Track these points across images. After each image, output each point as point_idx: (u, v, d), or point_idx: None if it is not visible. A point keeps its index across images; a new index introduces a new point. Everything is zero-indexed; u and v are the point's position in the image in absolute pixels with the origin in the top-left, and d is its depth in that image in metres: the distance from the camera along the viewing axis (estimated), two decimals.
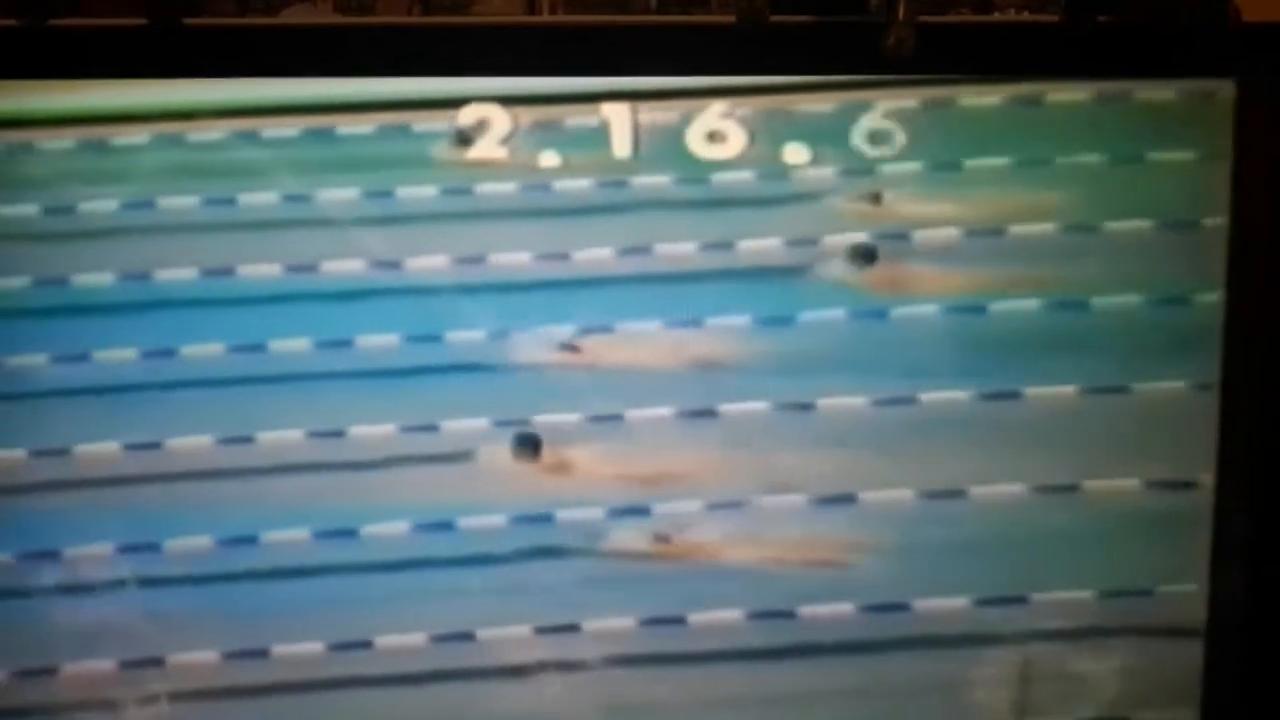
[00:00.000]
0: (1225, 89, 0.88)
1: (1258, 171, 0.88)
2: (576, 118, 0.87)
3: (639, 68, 0.86)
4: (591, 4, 0.95)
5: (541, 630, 0.90)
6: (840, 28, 0.86)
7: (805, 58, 0.87)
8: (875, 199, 0.88)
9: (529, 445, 0.89)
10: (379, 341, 0.88)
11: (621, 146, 0.87)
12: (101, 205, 0.85)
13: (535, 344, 0.88)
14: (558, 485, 0.89)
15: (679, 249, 0.88)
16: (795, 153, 0.88)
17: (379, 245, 0.87)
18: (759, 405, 0.90)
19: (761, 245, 0.88)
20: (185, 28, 0.83)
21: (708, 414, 0.90)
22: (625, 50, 0.87)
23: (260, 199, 0.86)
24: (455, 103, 0.86)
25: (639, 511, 0.90)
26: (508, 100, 0.86)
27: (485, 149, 0.87)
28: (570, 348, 0.89)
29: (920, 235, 0.89)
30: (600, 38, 0.88)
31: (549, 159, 0.87)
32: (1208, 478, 0.92)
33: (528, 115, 0.86)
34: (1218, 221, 0.90)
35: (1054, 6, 0.89)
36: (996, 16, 0.91)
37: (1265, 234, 0.89)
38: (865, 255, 0.89)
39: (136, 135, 0.85)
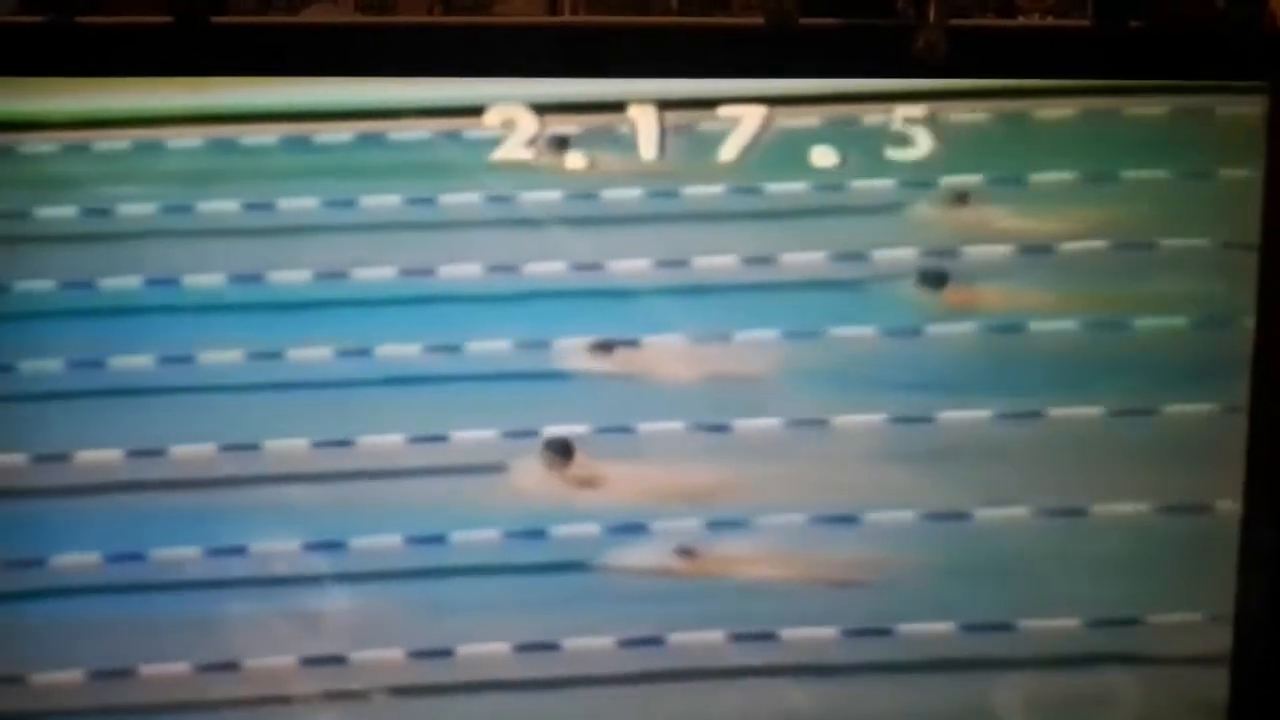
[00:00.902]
0: (1259, 97, 0.87)
1: None
2: (603, 120, 0.86)
3: (664, 69, 0.86)
4: (613, 5, 0.94)
5: (563, 644, 0.90)
6: (869, 31, 0.85)
7: (833, 61, 0.86)
8: (899, 211, 0.88)
9: (560, 450, 0.88)
10: (404, 349, 0.87)
11: (647, 149, 0.86)
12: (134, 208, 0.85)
13: (565, 353, 0.88)
14: (584, 498, 0.88)
15: (710, 258, 0.88)
16: (823, 156, 0.87)
17: (404, 251, 0.86)
18: (790, 421, 0.89)
19: (794, 256, 0.88)
20: (210, 26, 0.83)
21: (736, 428, 0.89)
22: (651, 52, 0.86)
23: (288, 204, 0.86)
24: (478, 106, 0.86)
25: (669, 526, 0.89)
26: (534, 102, 0.86)
27: (510, 150, 0.86)
28: (603, 355, 0.88)
29: (947, 252, 0.89)
30: (628, 39, 0.87)
31: (575, 160, 0.86)
32: (1235, 502, 0.91)
33: (554, 117, 0.86)
34: (1248, 239, 0.89)
35: (1078, 12, 0.89)
36: (1021, 21, 0.91)
37: None
38: (936, 278, 0.89)
39: (169, 137, 0.84)
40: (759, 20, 0.85)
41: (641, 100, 0.86)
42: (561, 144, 0.86)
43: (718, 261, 0.88)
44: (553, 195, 0.86)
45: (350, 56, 0.85)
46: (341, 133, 0.85)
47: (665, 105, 0.86)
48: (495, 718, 0.90)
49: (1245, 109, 0.88)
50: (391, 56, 0.85)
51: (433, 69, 0.85)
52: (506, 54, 0.86)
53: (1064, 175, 0.88)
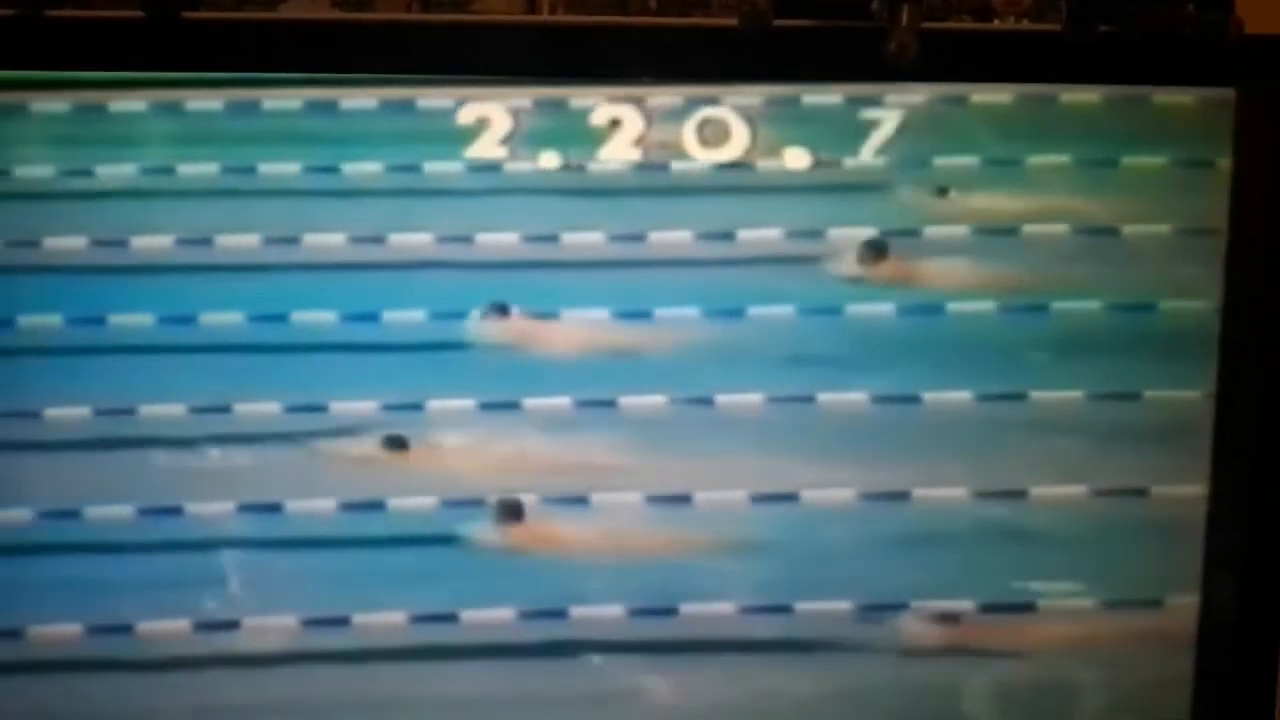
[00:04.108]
0: (1226, 98, 0.88)
1: (1258, 181, 0.89)
2: (573, 114, 0.87)
3: (640, 70, 0.87)
4: (592, 4, 0.94)
5: (401, 615, 0.90)
6: (843, 33, 0.86)
7: (807, 63, 0.87)
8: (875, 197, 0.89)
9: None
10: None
11: (619, 145, 0.87)
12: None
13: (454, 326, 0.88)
14: (429, 473, 0.89)
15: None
16: (796, 156, 0.88)
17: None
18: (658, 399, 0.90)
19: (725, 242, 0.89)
20: (183, 21, 0.83)
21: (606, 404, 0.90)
22: (627, 52, 0.87)
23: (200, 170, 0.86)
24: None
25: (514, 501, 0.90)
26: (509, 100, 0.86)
27: (484, 148, 0.87)
28: (493, 329, 0.88)
29: (917, 236, 0.89)
30: (602, 39, 0.87)
31: (548, 158, 0.87)
32: (1202, 487, 0.92)
33: (527, 113, 0.86)
34: (1217, 231, 0.90)
35: (1054, 14, 0.89)
36: (997, 24, 0.91)
37: (1264, 243, 0.90)
38: (876, 248, 0.89)
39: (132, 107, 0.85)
40: (734, 22, 0.85)
41: (617, 99, 0.86)
42: (534, 140, 0.86)
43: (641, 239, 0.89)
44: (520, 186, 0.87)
45: (326, 53, 0.85)
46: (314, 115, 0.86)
47: (641, 104, 0.86)
48: (332, 687, 0.90)
49: (1214, 112, 0.89)
50: (368, 53, 0.86)
51: (409, 66, 0.86)
52: (484, 52, 0.86)
53: (1032, 170, 0.89)
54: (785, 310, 0.89)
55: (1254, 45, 0.86)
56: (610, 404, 0.89)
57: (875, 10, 0.85)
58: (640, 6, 0.95)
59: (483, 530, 0.90)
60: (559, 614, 0.91)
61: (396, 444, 0.89)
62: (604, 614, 0.91)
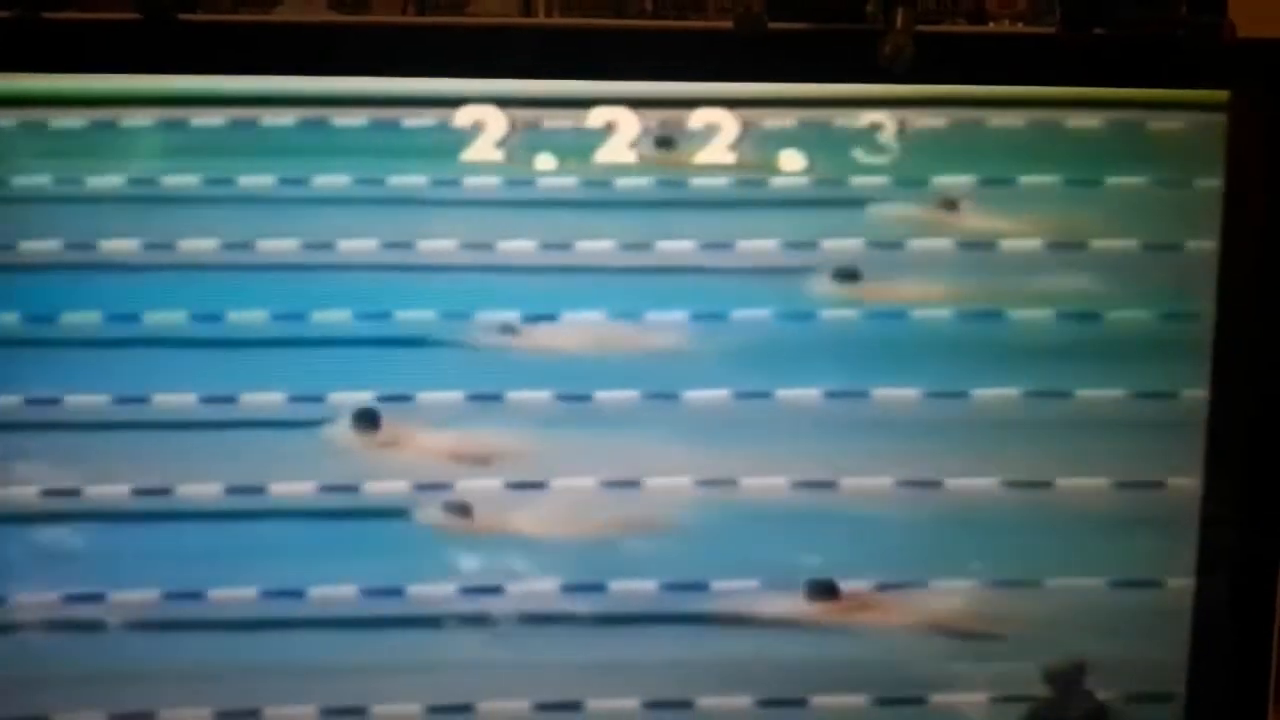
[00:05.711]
0: (1219, 102, 0.89)
1: (1251, 184, 0.89)
2: (570, 120, 0.87)
3: (636, 72, 0.87)
4: (588, 6, 0.94)
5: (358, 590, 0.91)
6: (838, 36, 0.86)
7: (802, 65, 0.87)
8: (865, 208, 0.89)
9: (368, 419, 0.89)
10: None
11: (614, 150, 0.87)
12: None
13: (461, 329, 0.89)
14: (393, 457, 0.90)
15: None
16: (790, 159, 0.88)
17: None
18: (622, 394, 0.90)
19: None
20: (179, 22, 0.83)
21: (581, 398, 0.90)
22: (622, 54, 0.87)
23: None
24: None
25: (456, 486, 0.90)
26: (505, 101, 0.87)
27: (480, 151, 0.87)
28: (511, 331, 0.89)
29: (917, 246, 0.90)
30: (598, 41, 0.88)
31: (545, 161, 0.87)
32: (1197, 479, 0.93)
33: (524, 117, 0.87)
34: (1210, 236, 0.90)
35: (1049, 17, 0.90)
36: (992, 27, 0.92)
37: (1257, 247, 0.90)
38: (849, 274, 0.90)
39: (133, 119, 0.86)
40: (730, 24, 0.86)
41: (613, 101, 0.87)
42: (531, 144, 0.87)
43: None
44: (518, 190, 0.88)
45: (322, 55, 0.85)
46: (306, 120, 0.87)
47: (637, 106, 0.87)
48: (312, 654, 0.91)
49: (1207, 115, 0.89)
50: (363, 55, 0.86)
51: (405, 68, 0.86)
52: (479, 54, 0.86)
53: (1026, 179, 0.90)
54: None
55: (1247, 48, 0.87)
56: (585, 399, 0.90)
57: (870, 13, 0.85)
58: (636, 9, 0.96)
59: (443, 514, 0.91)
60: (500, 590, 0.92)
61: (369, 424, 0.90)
62: (545, 587, 0.92)
